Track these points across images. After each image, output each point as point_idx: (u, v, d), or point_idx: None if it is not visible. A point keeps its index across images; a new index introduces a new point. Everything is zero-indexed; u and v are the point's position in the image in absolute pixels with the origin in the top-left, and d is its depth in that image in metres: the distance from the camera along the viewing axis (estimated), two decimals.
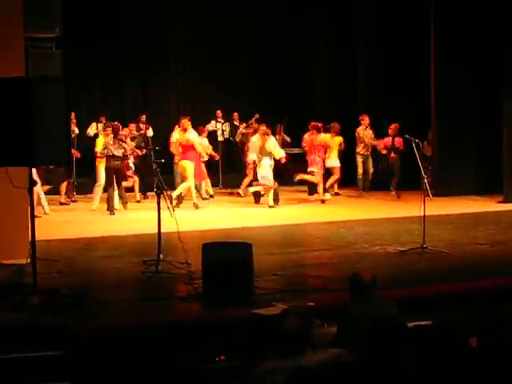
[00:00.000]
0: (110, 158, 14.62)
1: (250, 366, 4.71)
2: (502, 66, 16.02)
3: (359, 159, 17.31)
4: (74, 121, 16.07)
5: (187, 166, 15.37)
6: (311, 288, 8.56)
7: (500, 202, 15.82)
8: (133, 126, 17.15)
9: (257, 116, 18.42)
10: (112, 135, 14.77)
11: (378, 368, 4.29)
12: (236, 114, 19.21)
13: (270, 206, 15.51)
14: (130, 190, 16.29)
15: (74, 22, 16.43)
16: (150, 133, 17.69)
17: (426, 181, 11.22)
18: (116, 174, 14.78)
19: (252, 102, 19.94)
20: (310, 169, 16.55)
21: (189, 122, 15.62)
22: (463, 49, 16.58)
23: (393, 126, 16.94)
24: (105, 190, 14.99)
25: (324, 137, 16.60)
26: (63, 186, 15.78)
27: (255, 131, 16.58)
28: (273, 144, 15.78)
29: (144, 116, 18.07)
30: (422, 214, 10.60)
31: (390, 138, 17.04)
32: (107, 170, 14.74)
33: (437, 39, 16.82)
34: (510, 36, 15.79)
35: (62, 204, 15.67)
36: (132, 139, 16.46)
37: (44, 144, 7.68)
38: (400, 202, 16.00)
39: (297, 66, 19.87)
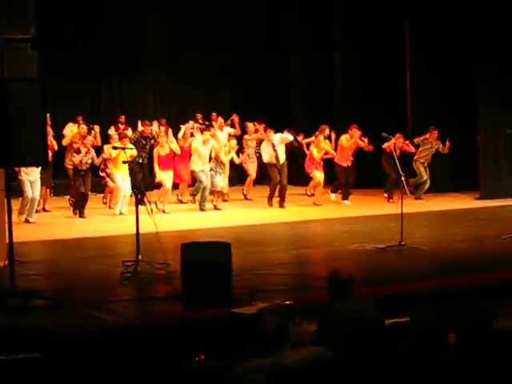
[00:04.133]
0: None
1: (229, 366, 4.71)
2: (476, 71, 16.18)
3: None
4: (50, 123, 15.65)
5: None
6: (290, 286, 8.57)
7: (477, 199, 15.93)
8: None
9: (235, 116, 18.27)
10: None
11: (358, 365, 4.30)
12: (214, 114, 18.65)
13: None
14: None
15: (50, 22, 16.39)
16: (129, 133, 17.48)
17: (403, 179, 11.29)
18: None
19: (228, 101, 19.84)
20: None
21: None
22: (438, 58, 16.74)
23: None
24: None
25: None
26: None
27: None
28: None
29: (123, 117, 18.01)
30: (400, 211, 10.67)
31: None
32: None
33: (412, 52, 17.08)
34: (483, 41, 15.95)
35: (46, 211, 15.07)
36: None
37: (20, 145, 7.65)
38: (378, 201, 16.04)
39: (273, 65, 19.85)
